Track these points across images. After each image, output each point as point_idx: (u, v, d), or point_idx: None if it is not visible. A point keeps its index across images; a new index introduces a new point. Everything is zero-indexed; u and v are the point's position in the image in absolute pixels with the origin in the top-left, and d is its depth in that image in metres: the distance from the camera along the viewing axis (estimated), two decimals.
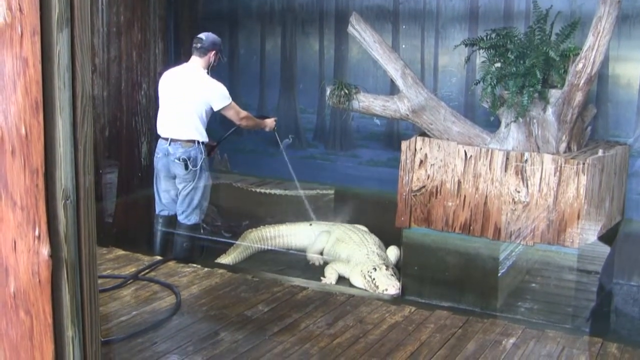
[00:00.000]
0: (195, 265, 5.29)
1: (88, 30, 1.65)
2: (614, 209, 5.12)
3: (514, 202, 4.73)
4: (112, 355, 3.81)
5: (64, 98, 1.61)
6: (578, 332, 4.37)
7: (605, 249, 4.84)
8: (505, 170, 4.75)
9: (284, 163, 6.31)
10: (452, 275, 5.01)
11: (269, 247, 6.40)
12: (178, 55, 7.13)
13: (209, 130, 5.46)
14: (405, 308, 4.53)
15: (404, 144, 5.15)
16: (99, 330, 1.78)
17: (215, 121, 5.81)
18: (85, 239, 1.69)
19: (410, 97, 5.11)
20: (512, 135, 4.89)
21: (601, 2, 4.41)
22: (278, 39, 7.08)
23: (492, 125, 5.20)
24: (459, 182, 4.92)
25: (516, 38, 4.85)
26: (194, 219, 5.54)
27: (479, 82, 4.91)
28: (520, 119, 4.79)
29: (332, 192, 6.87)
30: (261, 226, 6.51)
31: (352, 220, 6.41)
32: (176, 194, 5.52)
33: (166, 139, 5.39)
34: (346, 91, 5.28)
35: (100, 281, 4.69)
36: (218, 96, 5.37)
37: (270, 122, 5.92)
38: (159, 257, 5.44)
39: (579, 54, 4.54)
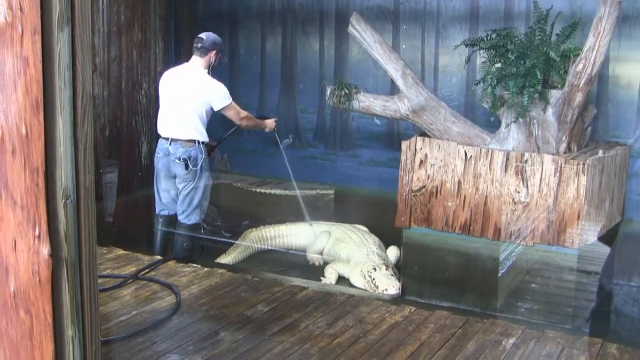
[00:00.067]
0: (195, 265, 5.29)
1: (89, 29, 1.65)
2: (614, 209, 5.12)
3: (514, 203, 4.73)
4: (112, 354, 3.81)
5: (64, 97, 1.61)
6: (578, 332, 4.37)
7: (605, 250, 4.84)
8: (506, 171, 4.75)
9: (284, 163, 6.31)
10: (452, 276, 5.01)
11: (269, 247, 6.40)
12: (178, 54, 7.14)
13: (209, 130, 5.46)
14: (405, 308, 4.53)
15: (404, 144, 5.15)
16: (99, 329, 1.78)
17: (216, 121, 5.81)
18: (86, 239, 1.69)
19: (411, 97, 5.11)
20: (512, 136, 4.89)
21: (601, 2, 4.41)
22: (278, 39, 7.08)
23: (492, 125, 5.20)
24: (459, 182, 4.93)
25: (516, 38, 4.85)
26: (194, 218, 5.54)
27: (479, 82, 4.91)
28: (521, 120, 4.79)
29: (332, 192, 6.87)
30: (261, 226, 6.51)
31: (352, 220, 6.40)
32: (176, 194, 5.52)
33: (166, 139, 5.39)
34: (346, 91, 5.29)
35: (100, 281, 4.69)
36: (218, 96, 5.37)
37: (270, 123, 5.92)
38: (159, 257, 5.44)
39: (579, 54, 4.54)
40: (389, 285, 5.08)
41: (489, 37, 4.91)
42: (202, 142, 5.38)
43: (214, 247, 6.13)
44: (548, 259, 4.71)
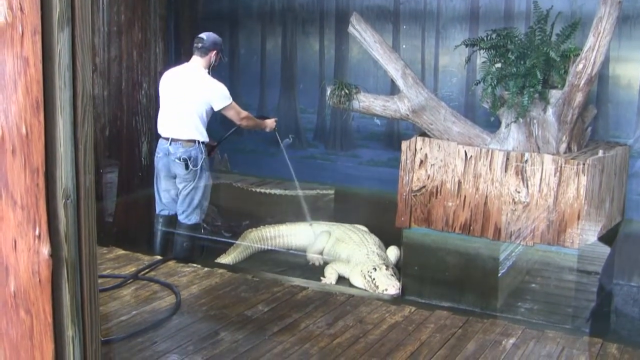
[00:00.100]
0: (195, 265, 5.29)
1: (89, 29, 1.65)
2: (614, 209, 5.12)
3: (514, 203, 4.73)
4: (112, 354, 3.81)
5: (64, 97, 1.61)
6: (578, 332, 4.37)
7: (606, 250, 4.84)
8: (506, 171, 4.76)
9: (284, 163, 6.31)
10: (452, 276, 5.01)
11: (269, 247, 6.40)
12: (178, 54, 7.14)
13: (209, 130, 5.46)
14: (405, 308, 4.53)
15: (404, 144, 5.15)
16: (99, 329, 1.78)
17: (216, 121, 5.81)
18: (86, 239, 1.69)
19: (411, 97, 5.11)
20: (512, 136, 4.89)
21: (602, 2, 4.41)
22: (278, 39, 7.08)
23: (492, 125, 5.20)
24: (459, 182, 4.93)
25: (517, 38, 4.85)
26: (194, 218, 5.54)
27: (480, 82, 4.91)
28: (521, 120, 4.79)
29: (332, 192, 6.87)
30: (261, 226, 6.51)
31: (352, 220, 6.40)
32: (176, 194, 5.52)
33: (167, 139, 5.39)
34: (346, 91, 5.29)
35: (100, 281, 4.69)
36: (219, 96, 5.37)
37: (270, 123, 5.92)
38: (159, 257, 5.44)
39: (579, 54, 4.54)
40: (389, 285, 5.08)
41: (489, 37, 4.91)
42: (203, 142, 5.38)
43: (214, 247, 6.13)
44: (548, 259, 4.71)
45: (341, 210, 6.75)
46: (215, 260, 5.91)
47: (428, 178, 5.04)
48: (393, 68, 5.13)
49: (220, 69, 5.85)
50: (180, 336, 4.02)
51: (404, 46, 6.41)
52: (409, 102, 5.12)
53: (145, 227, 6.18)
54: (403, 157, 5.14)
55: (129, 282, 4.87)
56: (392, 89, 5.77)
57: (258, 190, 7.01)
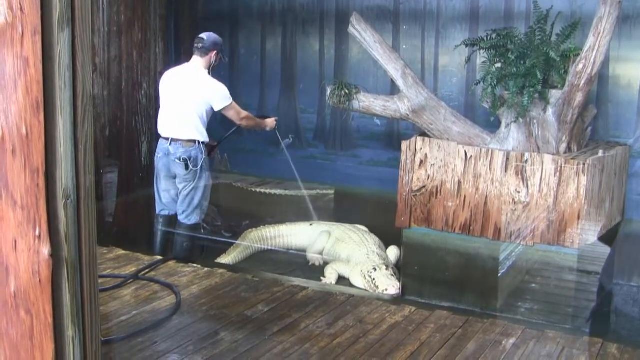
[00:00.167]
0: (195, 265, 5.29)
1: (89, 29, 1.65)
2: (614, 209, 5.12)
3: (514, 203, 4.73)
4: (112, 354, 3.81)
5: (64, 98, 1.61)
6: (578, 332, 4.37)
7: (606, 250, 4.84)
8: (506, 171, 4.76)
9: (285, 162, 6.31)
10: (452, 276, 5.01)
11: (269, 247, 6.40)
12: (178, 54, 7.14)
13: (209, 130, 5.46)
14: (405, 308, 4.53)
15: (404, 144, 5.15)
16: (99, 329, 1.78)
17: (216, 121, 5.81)
18: (86, 239, 1.69)
19: (411, 97, 5.11)
20: (512, 136, 4.89)
21: (602, 2, 4.41)
22: (279, 39, 7.08)
23: (492, 125, 5.20)
24: (459, 183, 4.93)
25: (517, 38, 4.85)
26: (194, 218, 5.54)
27: (480, 82, 4.91)
28: (521, 120, 4.79)
29: (332, 192, 6.87)
30: (261, 226, 6.51)
31: (352, 220, 6.40)
32: (176, 194, 5.52)
33: (167, 139, 5.39)
34: (346, 91, 5.29)
35: (100, 281, 4.69)
36: (219, 96, 5.37)
37: (270, 122, 5.92)
38: (159, 257, 5.44)
39: (579, 54, 4.54)
40: (389, 285, 5.08)
41: (489, 37, 4.91)
42: (203, 142, 5.39)
43: (214, 247, 6.13)
44: (548, 259, 4.71)
45: (341, 210, 6.75)
46: (216, 261, 5.91)
47: (428, 178, 5.04)
48: (393, 68, 5.13)
49: (221, 69, 5.85)
50: (180, 336, 4.02)
51: (404, 46, 6.41)
52: (409, 102, 5.12)
53: (145, 227, 6.18)
54: (403, 157, 5.14)
55: (129, 282, 4.87)
56: (392, 89, 5.77)
57: (258, 190, 7.01)
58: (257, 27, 7.16)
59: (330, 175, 6.88)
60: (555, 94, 4.71)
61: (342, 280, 5.57)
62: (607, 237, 4.91)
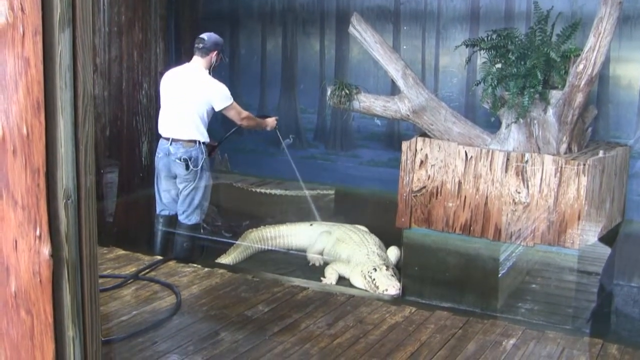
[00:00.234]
0: (195, 265, 5.29)
1: (90, 30, 1.65)
2: (615, 210, 5.12)
3: (515, 203, 4.73)
4: (112, 354, 3.82)
5: (65, 98, 1.61)
6: (578, 333, 4.37)
7: (606, 250, 4.84)
8: (506, 171, 4.76)
9: (285, 162, 6.31)
10: (452, 276, 5.01)
11: (269, 247, 6.40)
12: (179, 55, 7.14)
13: (209, 130, 5.46)
14: (405, 308, 4.53)
15: (405, 145, 5.15)
16: (99, 329, 1.78)
17: (216, 121, 5.81)
18: (86, 239, 1.69)
19: (411, 98, 5.11)
20: (512, 136, 4.89)
21: (602, 3, 4.41)
22: (279, 39, 7.08)
23: (492, 126, 5.20)
24: (460, 183, 4.93)
25: (517, 39, 4.85)
26: (194, 219, 5.54)
27: (480, 82, 4.91)
28: (521, 120, 4.79)
29: (332, 192, 6.87)
30: (261, 226, 6.51)
31: (353, 221, 6.40)
32: (177, 194, 5.52)
33: (167, 139, 5.39)
34: (347, 91, 5.29)
35: (100, 281, 4.68)
36: (219, 96, 5.37)
37: (271, 122, 5.92)
38: (159, 257, 5.44)
39: (579, 55, 4.54)
40: (389, 286, 5.08)
41: (489, 38, 4.91)
42: (203, 143, 5.39)
43: (214, 247, 6.13)
44: (548, 259, 4.71)
45: (341, 210, 6.75)
46: (216, 261, 5.91)
47: (428, 178, 5.04)
48: (393, 68, 5.13)
49: (221, 69, 5.85)
50: (180, 336, 4.02)
51: (404, 46, 6.41)
52: (410, 102, 5.12)
53: (145, 227, 6.18)
54: (403, 158, 5.14)
55: (129, 282, 4.87)
56: (393, 90, 5.77)
57: (258, 190, 7.01)
58: (257, 27, 7.16)
59: (330, 175, 6.88)
60: (555, 95, 4.71)
61: (342, 280, 5.57)
62: (608, 238, 4.91)
